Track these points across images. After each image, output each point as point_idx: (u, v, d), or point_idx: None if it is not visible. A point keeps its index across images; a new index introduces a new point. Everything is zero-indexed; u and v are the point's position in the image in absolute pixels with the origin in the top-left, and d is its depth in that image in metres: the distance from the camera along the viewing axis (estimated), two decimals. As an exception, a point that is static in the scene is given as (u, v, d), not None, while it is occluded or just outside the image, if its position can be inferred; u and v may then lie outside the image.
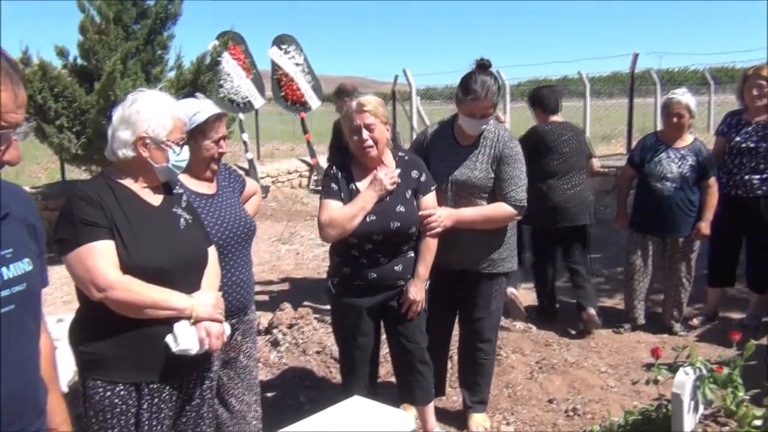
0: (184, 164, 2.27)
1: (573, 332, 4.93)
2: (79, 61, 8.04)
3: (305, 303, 5.56)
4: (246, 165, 11.28)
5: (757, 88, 4.56)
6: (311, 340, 4.52)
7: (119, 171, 2.20)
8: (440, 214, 3.07)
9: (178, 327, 2.09)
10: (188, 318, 2.11)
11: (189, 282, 2.20)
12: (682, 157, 4.61)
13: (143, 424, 2.13)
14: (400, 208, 2.94)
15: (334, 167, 3.03)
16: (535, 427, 3.57)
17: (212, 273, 2.35)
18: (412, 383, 3.16)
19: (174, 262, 2.14)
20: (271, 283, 6.58)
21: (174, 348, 2.08)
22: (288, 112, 14.23)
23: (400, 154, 3.08)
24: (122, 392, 2.10)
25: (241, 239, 2.73)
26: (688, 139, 4.67)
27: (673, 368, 2.68)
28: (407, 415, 2.08)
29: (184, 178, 2.54)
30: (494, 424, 3.59)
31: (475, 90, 3.10)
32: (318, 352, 4.39)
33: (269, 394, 3.91)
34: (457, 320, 3.65)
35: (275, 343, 4.57)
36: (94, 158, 7.75)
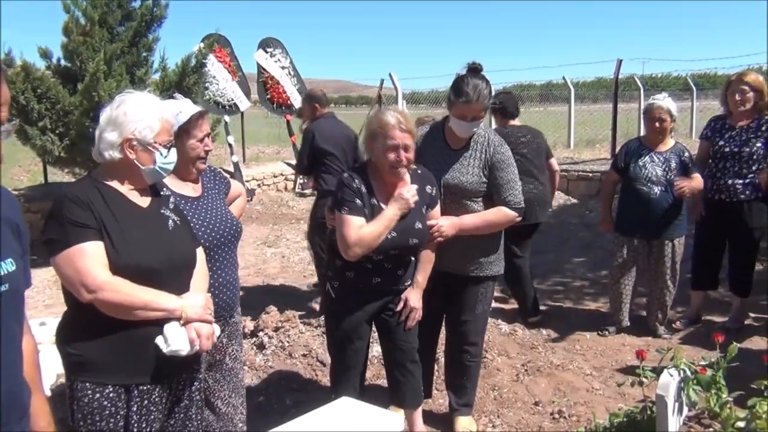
0: (171, 167, 2.26)
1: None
2: (63, 62, 7.97)
3: (291, 306, 5.54)
4: (231, 168, 11.24)
5: (740, 93, 4.62)
6: (297, 343, 4.50)
7: (106, 173, 2.18)
8: (442, 225, 3.11)
9: (168, 328, 2.08)
10: (178, 319, 2.10)
11: (178, 283, 2.19)
12: (666, 160, 4.66)
13: (132, 426, 2.12)
14: (418, 225, 2.97)
15: (356, 180, 2.93)
16: (521, 429, 3.58)
17: (201, 274, 2.35)
18: (402, 383, 3.16)
19: (163, 263, 2.13)
20: (256, 286, 6.55)
21: (165, 349, 2.07)
22: (274, 115, 14.22)
23: (413, 167, 3.04)
24: (111, 394, 2.09)
25: (226, 241, 2.72)
26: (670, 142, 4.73)
27: (657, 370, 2.69)
28: (396, 416, 2.08)
29: (169, 181, 2.52)
30: (480, 427, 3.60)
31: (467, 92, 3.12)
32: (304, 355, 4.37)
33: (255, 398, 3.89)
34: (443, 323, 3.65)
35: (261, 346, 4.55)
36: (77, 161, 7.68)
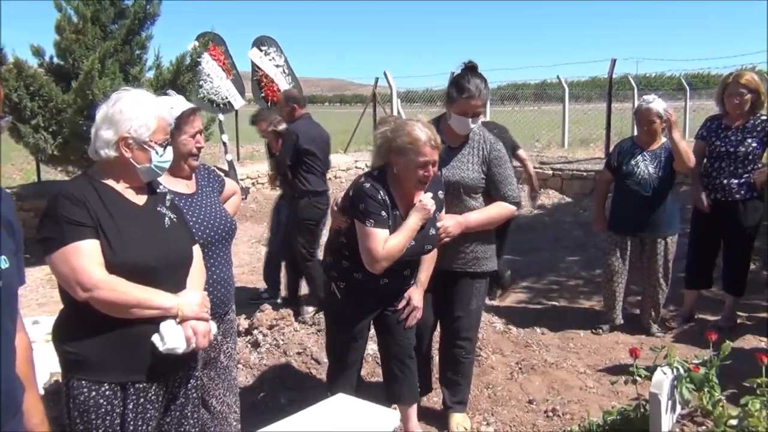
0: (167, 165, 2.25)
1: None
2: (56, 60, 7.92)
3: (285, 304, 5.54)
4: (225, 166, 11.20)
5: (738, 97, 4.64)
6: (292, 341, 4.50)
7: (102, 171, 2.18)
8: (448, 225, 3.14)
9: (164, 326, 2.08)
10: (174, 317, 2.10)
11: (175, 281, 2.19)
12: (656, 156, 4.70)
13: (128, 425, 2.11)
14: (432, 231, 3.01)
15: (381, 192, 2.88)
16: (515, 427, 3.58)
17: (197, 272, 2.34)
18: (400, 379, 3.18)
19: (159, 260, 2.12)
20: (251, 284, 6.54)
21: (161, 347, 2.07)
22: (268, 114, 14.14)
23: None
24: (107, 392, 2.08)
25: (220, 238, 2.72)
26: (661, 140, 4.76)
27: (650, 369, 2.70)
28: (392, 412, 2.08)
29: (162, 178, 2.51)
30: (474, 425, 3.60)
31: (469, 89, 3.18)
32: (299, 353, 4.37)
33: (249, 396, 3.89)
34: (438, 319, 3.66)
35: (255, 345, 4.54)
36: (70, 159, 7.64)
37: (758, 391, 2.47)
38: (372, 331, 3.24)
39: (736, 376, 2.69)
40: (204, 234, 2.61)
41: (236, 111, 12.63)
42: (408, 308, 3.09)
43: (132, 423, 2.12)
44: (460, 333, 3.50)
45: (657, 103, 4.65)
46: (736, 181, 4.64)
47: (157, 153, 2.17)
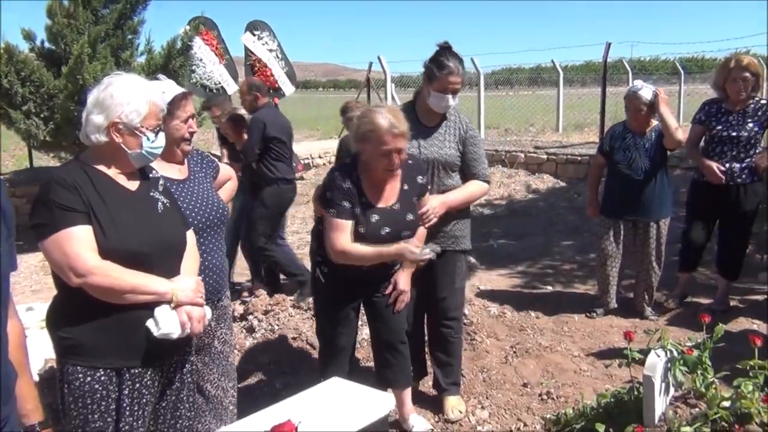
0: (159, 151, 2.23)
1: None
2: (47, 44, 7.85)
3: (280, 289, 5.54)
4: (219, 152, 11.16)
5: (742, 81, 4.58)
6: (287, 327, 4.50)
7: (94, 156, 2.16)
8: (434, 205, 3.17)
9: (159, 311, 2.08)
10: (169, 302, 2.09)
11: (168, 266, 2.18)
12: (648, 140, 4.72)
13: (124, 410, 2.11)
14: (410, 217, 3.00)
15: (346, 180, 2.91)
16: (509, 410, 3.61)
17: (191, 257, 2.34)
18: (393, 364, 3.18)
19: (153, 246, 2.12)
20: (245, 269, 6.52)
21: (155, 332, 2.06)
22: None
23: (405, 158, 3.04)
24: (103, 377, 2.08)
25: (212, 224, 2.71)
26: (652, 124, 4.77)
27: (644, 352, 2.71)
28: (387, 396, 2.09)
29: (154, 163, 2.49)
30: (469, 408, 3.62)
31: (448, 65, 3.23)
32: (294, 338, 4.38)
33: (245, 381, 3.90)
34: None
35: (251, 330, 4.55)
36: (62, 145, 7.59)
37: (751, 373, 2.48)
38: (365, 317, 3.24)
39: (729, 359, 2.70)
40: (196, 220, 2.60)
41: (229, 96, 12.55)
42: (395, 293, 3.09)
43: (128, 408, 2.12)
44: (447, 313, 3.53)
45: (645, 91, 4.66)
46: (738, 165, 4.62)
47: (148, 139, 2.15)
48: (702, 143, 4.86)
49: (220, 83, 11.64)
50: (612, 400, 2.82)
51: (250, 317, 4.70)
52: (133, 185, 2.20)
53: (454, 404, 3.57)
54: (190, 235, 2.38)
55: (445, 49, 3.30)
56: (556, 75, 16.48)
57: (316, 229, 3.21)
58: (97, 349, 2.06)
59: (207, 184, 2.80)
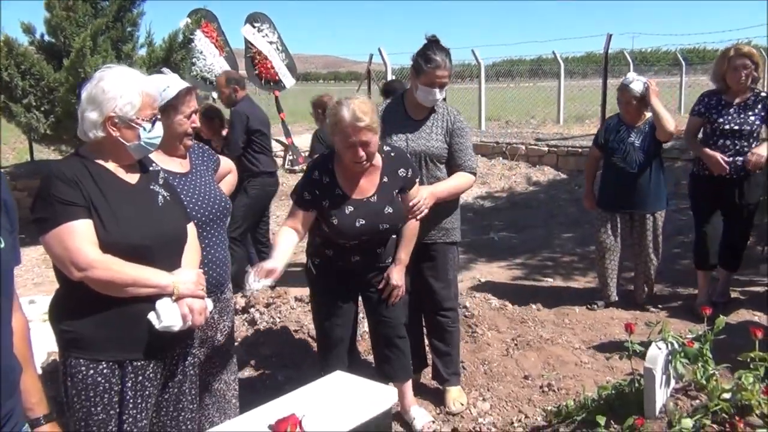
0: (157, 141, 2.22)
1: None
2: (47, 38, 7.83)
3: (282, 282, 5.55)
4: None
5: (743, 69, 4.50)
6: (289, 319, 4.51)
7: (93, 150, 2.15)
8: (424, 197, 3.16)
9: (160, 304, 2.09)
10: (170, 295, 2.10)
11: (170, 259, 2.19)
12: (641, 132, 4.73)
13: (128, 402, 2.13)
14: (389, 210, 2.97)
15: (317, 171, 2.91)
16: (510, 402, 3.62)
17: (192, 250, 2.34)
18: (391, 359, 3.19)
19: (153, 239, 2.12)
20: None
21: (157, 325, 2.07)
22: (262, 92, 14.08)
23: (386, 148, 3.03)
24: (105, 370, 2.09)
25: (215, 218, 2.71)
26: (646, 116, 4.77)
27: (645, 344, 2.72)
28: (389, 389, 2.10)
29: (156, 157, 2.49)
30: (470, 400, 3.63)
31: (435, 59, 3.23)
32: (296, 331, 4.39)
33: (247, 374, 3.91)
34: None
35: (252, 323, 4.56)
36: (63, 138, 7.59)
37: (751, 365, 2.49)
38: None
39: (729, 351, 2.71)
40: (199, 213, 2.60)
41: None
42: (389, 288, 3.09)
43: (131, 401, 2.13)
44: (443, 303, 3.54)
45: (636, 84, 4.67)
46: (741, 158, 4.52)
47: (145, 129, 2.14)
48: (700, 135, 4.80)
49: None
50: (613, 392, 2.83)
51: (252, 310, 4.71)
52: (133, 178, 2.20)
53: (455, 396, 3.58)
54: (191, 228, 2.38)
55: (432, 43, 3.30)
56: (557, 66, 16.43)
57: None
58: (99, 342, 2.07)
59: (209, 177, 2.80)
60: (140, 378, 2.14)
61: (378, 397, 2.01)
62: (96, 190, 2.06)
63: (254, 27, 12.56)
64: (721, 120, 4.61)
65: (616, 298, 5.02)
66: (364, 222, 2.89)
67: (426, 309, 3.64)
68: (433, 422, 3.39)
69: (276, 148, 12.53)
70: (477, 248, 7.02)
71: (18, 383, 1.58)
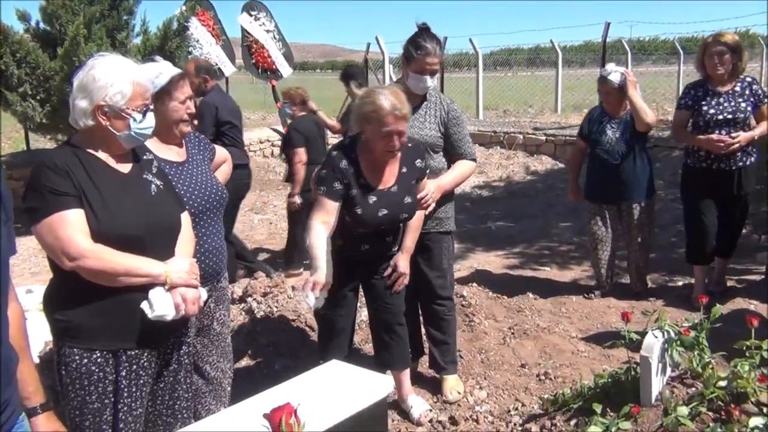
0: (148, 131, 2.20)
1: None
2: (42, 25, 7.79)
3: (279, 271, 5.56)
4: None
5: (717, 56, 4.42)
6: (286, 309, 4.51)
7: (84, 139, 2.14)
8: (432, 190, 3.20)
9: (153, 293, 2.08)
10: (163, 284, 2.10)
11: (163, 248, 2.18)
12: (622, 122, 4.72)
13: (122, 391, 2.13)
14: (408, 199, 3.01)
15: (344, 160, 2.90)
16: (507, 391, 3.63)
17: (186, 239, 2.33)
18: (391, 346, 3.21)
19: (146, 228, 2.11)
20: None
21: (150, 314, 2.07)
22: (259, 81, 14.02)
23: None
24: (99, 359, 2.09)
25: (212, 207, 2.70)
26: (627, 107, 4.75)
27: (641, 332, 2.73)
28: (386, 378, 2.10)
29: (152, 145, 2.48)
30: (467, 389, 3.64)
31: (425, 46, 3.23)
32: (293, 320, 4.39)
33: (244, 363, 3.92)
34: None
35: (250, 312, 4.55)
36: (59, 127, 7.56)
37: (747, 353, 2.49)
38: (364, 298, 3.26)
39: (725, 339, 2.71)
40: (195, 203, 2.59)
41: (227, 78, 12.49)
42: (395, 275, 3.12)
43: (126, 389, 2.13)
44: (439, 293, 3.55)
45: (614, 76, 4.68)
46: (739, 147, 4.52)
47: (135, 120, 2.12)
48: (690, 128, 4.66)
49: (217, 65, 11.55)
50: (609, 380, 2.84)
51: (249, 299, 4.70)
52: (125, 168, 2.19)
53: (452, 385, 3.60)
54: (186, 217, 2.37)
55: (423, 30, 3.30)
56: (555, 55, 16.39)
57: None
58: (92, 331, 2.07)
59: (205, 166, 2.79)
60: (134, 367, 2.14)
61: (374, 385, 2.01)
62: (87, 180, 2.05)
63: (251, 15, 12.48)
64: (712, 111, 4.48)
65: (612, 287, 5.03)
66: (386, 212, 2.93)
67: (422, 298, 3.65)
68: (431, 410, 3.40)
69: (273, 137, 12.51)
70: (474, 237, 7.02)
71: (15, 373, 1.58)
